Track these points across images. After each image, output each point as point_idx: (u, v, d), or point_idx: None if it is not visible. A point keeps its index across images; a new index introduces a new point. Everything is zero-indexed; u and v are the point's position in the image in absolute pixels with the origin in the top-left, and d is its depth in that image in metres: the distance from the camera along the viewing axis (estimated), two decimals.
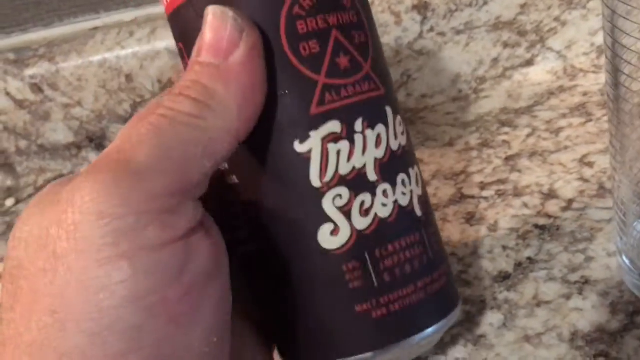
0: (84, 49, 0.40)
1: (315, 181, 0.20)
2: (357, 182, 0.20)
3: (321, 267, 0.21)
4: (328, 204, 0.20)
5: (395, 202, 0.21)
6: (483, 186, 0.33)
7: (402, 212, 0.21)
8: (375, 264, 0.21)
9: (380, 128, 0.21)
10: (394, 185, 0.21)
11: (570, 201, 0.31)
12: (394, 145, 0.21)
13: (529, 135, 0.36)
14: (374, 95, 0.21)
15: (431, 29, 0.40)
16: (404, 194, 0.21)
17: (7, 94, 0.40)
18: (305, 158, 0.20)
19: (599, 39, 0.41)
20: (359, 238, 0.20)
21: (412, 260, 0.21)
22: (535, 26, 0.40)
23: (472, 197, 0.33)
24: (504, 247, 0.30)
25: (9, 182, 0.42)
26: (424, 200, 0.22)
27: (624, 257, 0.27)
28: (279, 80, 0.20)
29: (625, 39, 0.24)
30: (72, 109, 0.41)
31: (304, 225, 0.20)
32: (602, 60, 0.41)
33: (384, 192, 0.21)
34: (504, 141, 0.36)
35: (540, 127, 0.37)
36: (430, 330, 0.21)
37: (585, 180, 0.32)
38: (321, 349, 0.21)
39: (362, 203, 0.20)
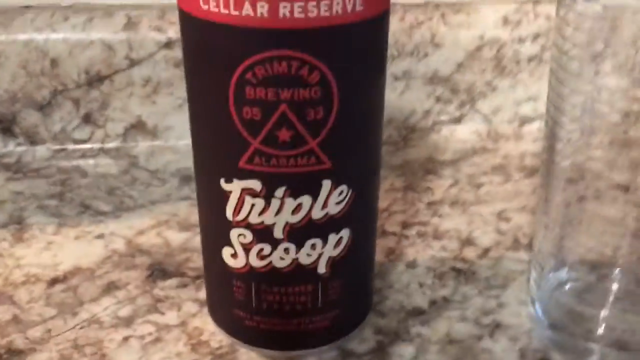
0: (11, 24, 0.37)
1: (229, 215, 0.22)
2: (261, 233, 0.22)
3: (220, 269, 0.24)
4: (234, 236, 0.23)
5: (296, 259, 0.23)
6: (405, 225, 0.34)
7: (300, 268, 0.23)
8: (257, 293, 0.23)
9: (304, 198, 0.21)
10: (299, 246, 0.22)
11: (486, 250, 0.32)
12: (317, 215, 0.22)
13: (451, 186, 0.37)
14: (312, 169, 0.21)
15: None
16: (308, 255, 0.23)
17: None
18: (226, 195, 0.22)
19: (523, 109, 0.43)
20: (251, 270, 0.23)
21: (293, 304, 0.23)
22: (468, 86, 0.42)
23: (394, 233, 0.33)
24: (421, 284, 0.29)
25: None
26: (341, 261, 0.23)
27: (537, 306, 0.27)
28: (222, 126, 0.21)
29: (564, 116, 0.25)
30: None
31: (216, 239, 0.23)
32: (524, 129, 0.43)
33: (285, 250, 0.22)
34: (428, 187, 0.37)
35: (463, 180, 0.38)
36: (285, 353, 0.25)
37: (502, 233, 0.33)
38: (215, 312, 0.26)
39: (261, 250, 0.22)
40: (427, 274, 0.30)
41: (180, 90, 0.39)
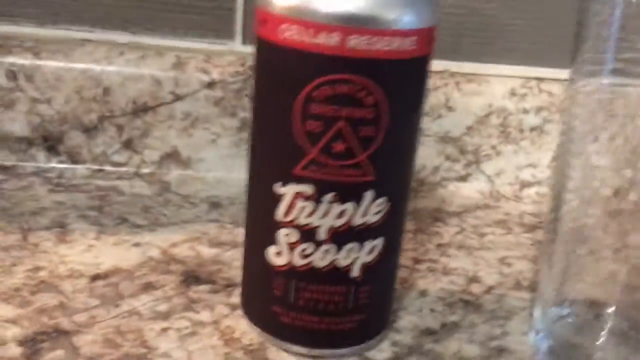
0: (72, 54, 0.41)
1: (279, 216, 0.25)
2: (307, 234, 0.25)
3: (262, 266, 0.27)
4: (281, 235, 0.25)
5: (334, 260, 0.25)
6: (416, 261, 0.36)
7: (336, 269, 0.25)
8: (296, 290, 0.26)
9: (348, 205, 0.25)
10: (339, 249, 0.25)
11: (491, 287, 0.35)
12: (357, 222, 0.25)
13: (457, 233, 0.40)
14: (358, 180, 0.24)
15: None
16: (345, 258, 0.25)
17: None
18: (279, 197, 0.25)
19: (523, 174, 0.47)
20: (292, 268, 0.26)
21: (327, 303, 0.26)
22: (475, 148, 0.46)
23: (407, 267, 0.36)
24: (432, 310, 0.32)
25: None
26: (372, 267, 0.26)
27: (539, 335, 0.30)
28: (286, 136, 0.24)
29: (571, 181, 0.29)
30: (39, 104, 0.41)
31: (262, 238, 0.26)
32: (524, 192, 0.47)
33: (326, 251, 0.25)
34: (437, 232, 0.40)
35: (468, 229, 0.41)
36: (312, 350, 0.27)
37: (504, 275, 0.36)
38: (251, 308, 0.28)
39: (305, 249, 0.25)
40: (438, 302, 0.33)
41: (216, 127, 0.43)
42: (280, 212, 0.25)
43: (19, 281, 0.30)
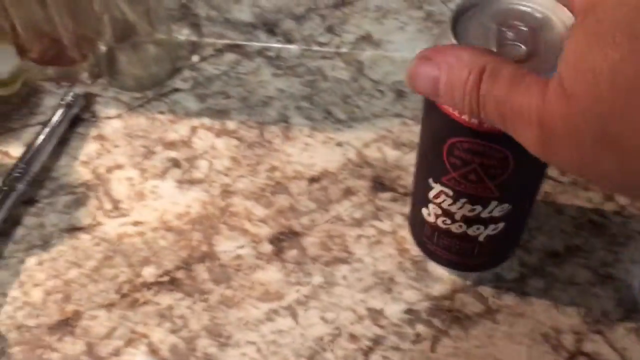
0: None
1: (430, 195, 0.35)
2: (447, 212, 0.35)
3: (419, 213, 0.37)
4: (430, 207, 0.36)
5: (465, 231, 0.35)
6: (563, 172, 0.44)
7: (467, 235, 0.36)
8: (438, 238, 0.37)
9: (477, 207, 0.34)
10: (469, 226, 0.35)
11: (623, 207, 0.42)
12: (484, 215, 0.34)
13: None
14: (486, 195, 0.33)
15: None
16: (474, 232, 0.35)
17: None
18: (431, 187, 0.34)
19: None
20: (437, 226, 0.36)
21: (460, 249, 0.37)
22: None
23: (553, 179, 0.43)
24: (562, 230, 0.41)
25: (194, 38, 0.52)
26: (494, 235, 0.35)
27: None
28: (438, 159, 0.32)
29: None
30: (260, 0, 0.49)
31: (420, 202, 0.37)
32: None
33: (460, 225, 0.35)
34: None
35: None
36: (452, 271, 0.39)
37: None
38: (413, 232, 0.40)
39: (445, 220, 0.36)
40: (570, 222, 0.41)
41: (403, 17, 0.48)
42: (431, 194, 0.35)
43: (262, 181, 0.44)
